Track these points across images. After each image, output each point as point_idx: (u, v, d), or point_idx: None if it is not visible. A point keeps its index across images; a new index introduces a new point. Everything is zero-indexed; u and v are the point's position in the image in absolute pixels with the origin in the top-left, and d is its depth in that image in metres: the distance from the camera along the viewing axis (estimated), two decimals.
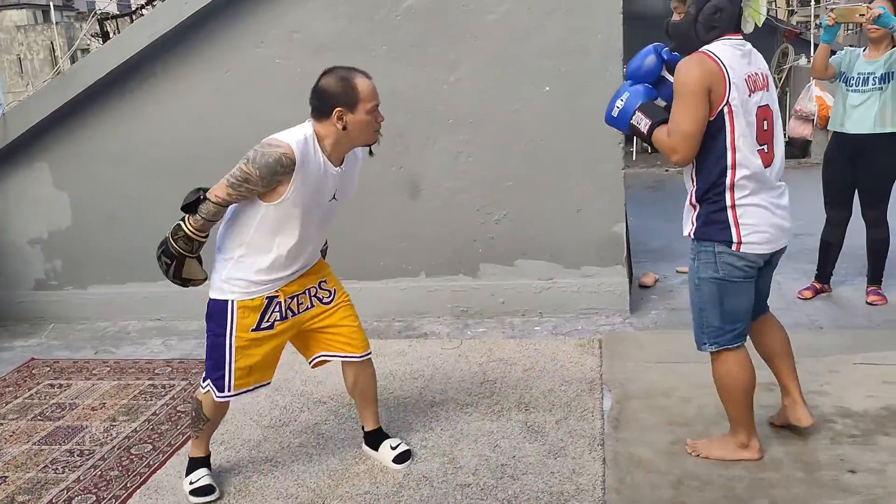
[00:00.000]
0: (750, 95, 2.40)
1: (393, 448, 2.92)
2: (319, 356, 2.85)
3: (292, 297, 2.67)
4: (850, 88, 4.14)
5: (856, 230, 4.31)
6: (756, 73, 2.45)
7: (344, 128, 2.44)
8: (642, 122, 2.51)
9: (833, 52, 4.22)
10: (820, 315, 4.17)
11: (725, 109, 2.36)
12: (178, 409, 3.48)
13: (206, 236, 2.52)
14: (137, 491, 2.84)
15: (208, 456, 2.88)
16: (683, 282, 4.58)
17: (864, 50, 4.18)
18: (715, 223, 2.48)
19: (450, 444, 3.01)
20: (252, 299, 2.59)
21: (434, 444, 3.03)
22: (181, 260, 2.52)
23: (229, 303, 2.58)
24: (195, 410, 2.77)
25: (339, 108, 2.43)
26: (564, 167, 4.24)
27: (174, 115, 4.45)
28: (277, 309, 2.65)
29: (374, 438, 2.97)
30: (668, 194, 7.35)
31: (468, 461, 2.89)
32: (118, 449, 3.15)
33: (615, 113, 2.58)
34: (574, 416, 3.16)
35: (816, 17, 10.51)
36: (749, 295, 2.59)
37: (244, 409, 3.40)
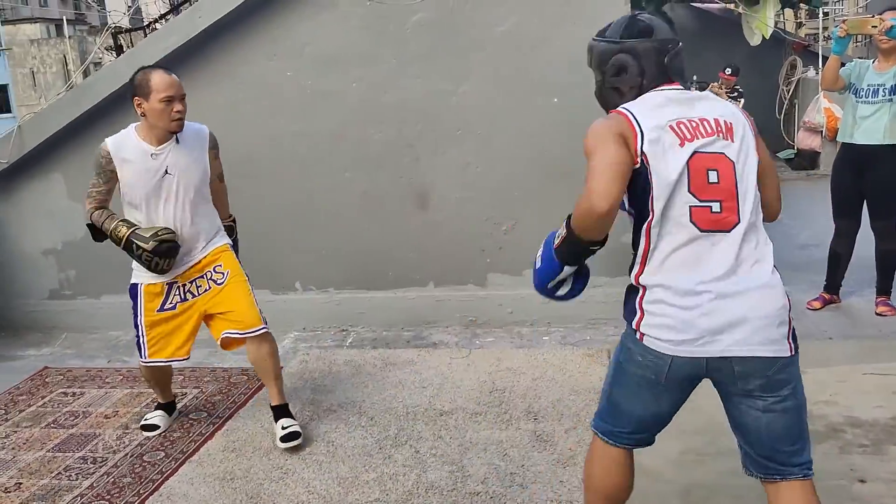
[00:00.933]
0: (682, 144, 1.90)
1: (284, 428, 3.15)
2: (225, 334, 3.13)
3: (192, 282, 3.14)
4: (860, 100, 4.15)
5: (865, 241, 4.32)
6: (700, 120, 1.93)
7: (143, 114, 2.97)
8: (559, 231, 2.02)
9: (842, 64, 4.24)
10: (829, 325, 4.17)
11: (643, 159, 1.88)
12: (189, 416, 3.51)
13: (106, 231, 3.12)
14: (150, 498, 2.86)
15: (168, 402, 3.45)
16: None
17: (873, 61, 4.20)
18: (628, 301, 2.03)
19: (459, 452, 3.03)
20: (154, 284, 3.12)
21: (443, 452, 3.04)
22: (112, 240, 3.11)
23: (139, 286, 3.15)
24: None
25: (136, 97, 2.97)
26: (572, 177, 4.20)
27: None
28: (178, 292, 3.15)
29: (275, 413, 3.22)
30: None
31: (477, 470, 2.90)
32: (131, 456, 3.19)
33: (538, 264, 2.09)
34: (583, 425, 3.17)
35: (825, 29, 10.50)
36: (636, 402, 2.07)
37: (255, 417, 3.43)
